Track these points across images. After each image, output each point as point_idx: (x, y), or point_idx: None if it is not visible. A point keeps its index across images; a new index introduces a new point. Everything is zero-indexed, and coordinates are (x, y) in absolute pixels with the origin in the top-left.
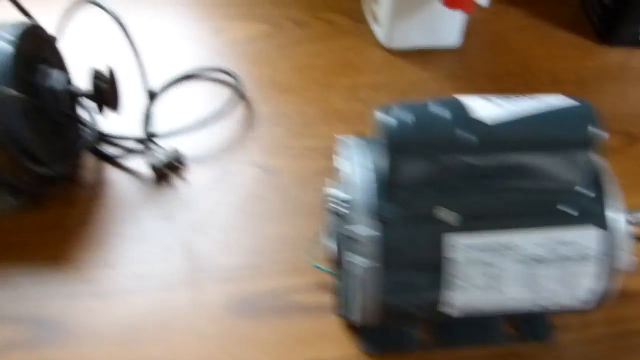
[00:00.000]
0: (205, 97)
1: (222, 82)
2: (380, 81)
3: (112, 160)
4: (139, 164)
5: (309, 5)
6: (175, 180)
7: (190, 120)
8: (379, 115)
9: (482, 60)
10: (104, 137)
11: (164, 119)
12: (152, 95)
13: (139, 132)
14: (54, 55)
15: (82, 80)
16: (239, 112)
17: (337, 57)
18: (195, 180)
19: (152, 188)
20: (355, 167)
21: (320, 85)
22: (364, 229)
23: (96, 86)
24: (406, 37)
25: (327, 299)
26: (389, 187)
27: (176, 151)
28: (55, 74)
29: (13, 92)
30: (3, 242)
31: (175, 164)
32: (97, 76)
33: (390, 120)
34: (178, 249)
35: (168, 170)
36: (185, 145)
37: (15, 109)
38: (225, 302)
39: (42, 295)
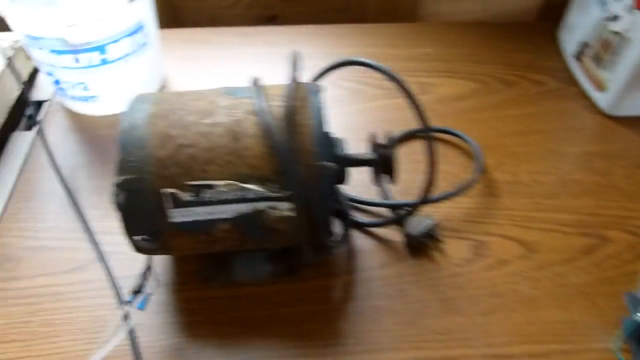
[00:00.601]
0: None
1: (444, 142)
2: (609, 151)
3: (364, 229)
4: (390, 233)
5: (513, 63)
6: (432, 252)
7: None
8: None
9: None
10: (357, 204)
11: (401, 183)
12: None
13: (381, 198)
14: None
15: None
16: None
17: (556, 122)
18: (451, 252)
19: (408, 259)
20: None
21: (548, 152)
22: None
23: (379, 153)
24: (635, 105)
25: None
26: None
27: (431, 220)
28: (338, 141)
29: (332, 165)
30: (266, 312)
31: (432, 234)
32: (378, 143)
33: None
34: (453, 333)
35: (424, 240)
36: (431, 213)
37: (328, 182)
38: None
39: None
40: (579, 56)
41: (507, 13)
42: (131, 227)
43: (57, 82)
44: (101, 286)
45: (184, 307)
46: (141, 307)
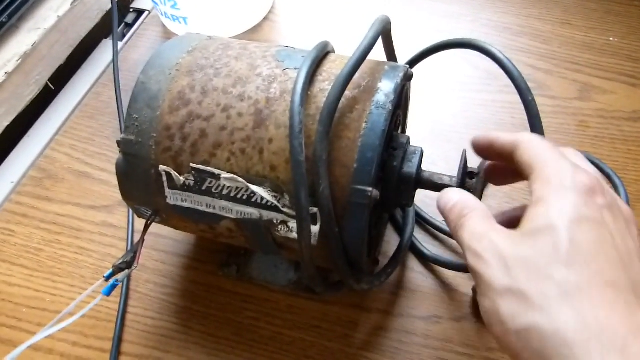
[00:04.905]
0: None
1: None
2: None
3: (425, 261)
4: (458, 279)
5: None
6: None
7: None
8: None
9: None
10: (426, 225)
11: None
12: None
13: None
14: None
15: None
16: None
17: None
18: None
19: (468, 322)
20: None
21: None
22: None
23: (461, 181)
24: None
25: None
26: None
27: None
28: (414, 156)
29: (371, 191)
30: (270, 328)
31: None
32: (467, 167)
33: None
34: None
35: None
36: None
37: (362, 215)
38: None
39: None
40: None
41: None
42: (127, 193)
43: None
44: (119, 235)
45: (187, 288)
46: (105, 294)
